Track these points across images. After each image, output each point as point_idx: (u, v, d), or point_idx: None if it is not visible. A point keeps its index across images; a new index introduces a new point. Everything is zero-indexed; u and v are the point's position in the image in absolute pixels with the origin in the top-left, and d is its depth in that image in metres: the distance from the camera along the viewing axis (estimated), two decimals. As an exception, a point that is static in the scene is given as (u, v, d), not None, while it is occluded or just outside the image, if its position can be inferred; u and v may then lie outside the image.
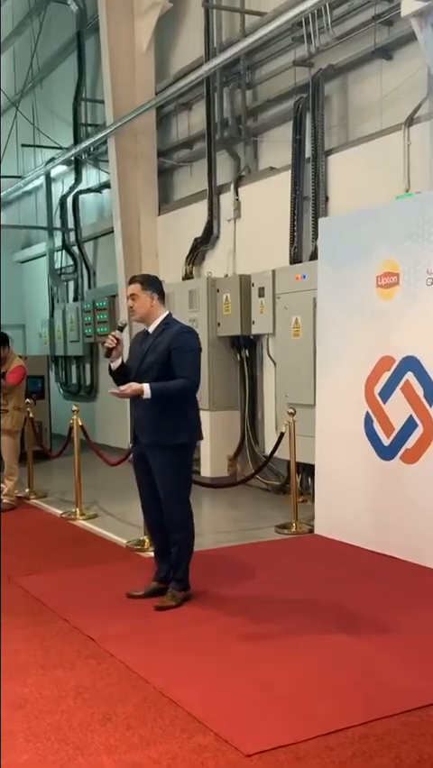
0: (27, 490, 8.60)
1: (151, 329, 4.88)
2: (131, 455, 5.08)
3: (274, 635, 4.36)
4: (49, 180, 13.73)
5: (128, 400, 4.98)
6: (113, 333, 4.83)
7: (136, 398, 4.76)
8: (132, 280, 4.91)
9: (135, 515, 5.22)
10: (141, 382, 4.70)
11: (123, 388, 4.66)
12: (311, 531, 6.68)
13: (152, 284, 4.90)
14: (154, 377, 4.70)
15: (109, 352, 4.81)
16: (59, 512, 7.72)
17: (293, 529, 6.74)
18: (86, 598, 5.07)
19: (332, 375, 6.58)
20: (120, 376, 4.86)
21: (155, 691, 3.68)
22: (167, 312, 4.93)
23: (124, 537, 6.56)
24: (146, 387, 4.65)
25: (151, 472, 4.84)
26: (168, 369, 4.70)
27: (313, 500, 7.03)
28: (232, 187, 9.08)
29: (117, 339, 4.80)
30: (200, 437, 5.00)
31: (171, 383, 4.68)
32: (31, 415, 8.66)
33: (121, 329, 4.90)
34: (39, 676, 3.87)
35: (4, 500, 7.96)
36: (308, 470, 7.62)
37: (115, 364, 4.86)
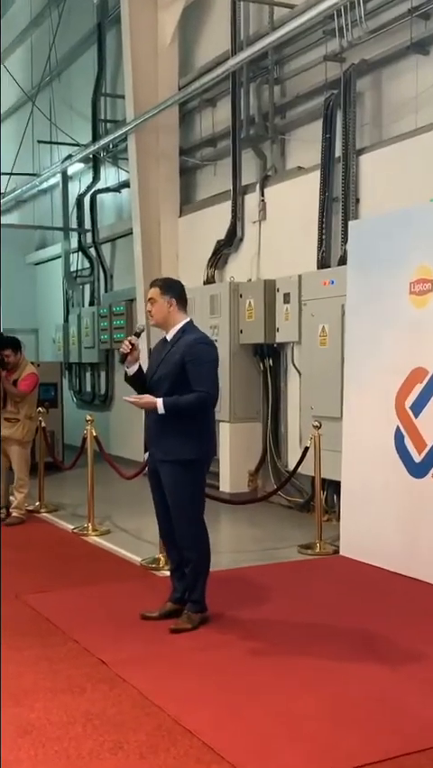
0: (37, 504, 8.63)
1: (169, 336, 4.89)
2: (147, 467, 5.08)
3: (296, 663, 4.33)
4: (65, 179, 13.82)
5: (142, 412, 4.99)
6: (129, 338, 4.84)
7: (150, 413, 4.77)
8: (152, 284, 4.94)
9: (150, 531, 5.22)
10: (153, 394, 4.71)
11: (137, 398, 4.67)
12: (336, 552, 6.64)
13: (173, 289, 4.90)
14: (166, 390, 4.70)
15: (124, 358, 4.83)
16: (70, 527, 7.74)
17: (317, 550, 6.71)
18: (97, 619, 5.06)
19: (360, 387, 6.55)
20: (137, 382, 4.87)
21: (169, 719, 3.67)
22: (187, 319, 4.92)
23: (138, 555, 6.56)
24: (159, 402, 4.65)
25: (163, 488, 4.84)
26: (181, 381, 4.69)
27: (338, 519, 6.99)
28: (257, 187, 9.10)
29: (132, 344, 4.81)
30: (214, 453, 4.98)
31: (186, 398, 4.66)
32: (43, 424, 8.69)
33: (138, 334, 4.91)
34: (46, 701, 3.87)
35: (14, 513, 7.99)
36: (333, 487, 7.59)
37: (132, 370, 4.87)
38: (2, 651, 4.47)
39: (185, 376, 4.69)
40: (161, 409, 4.65)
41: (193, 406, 4.68)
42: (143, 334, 5.15)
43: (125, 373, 4.92)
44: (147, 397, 4.68)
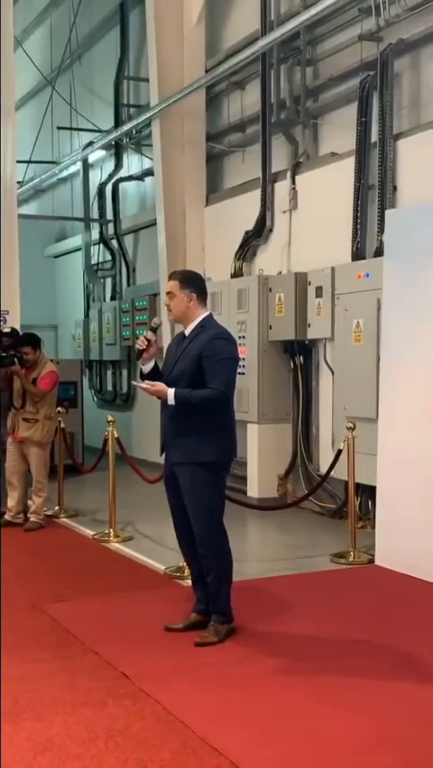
0: (56, 508, 8.68)
1: (187, 331, 4.89)
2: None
3: (328, 679, 4.31)
4: (86, 167, 13.87)
5: (159, 409, 4.99)
6: (145, 333, 4.86)
7: (164, 406, 4.77)
8: (170, 277, 4.95)
9: (174, 538, 5.22)
10: None
11: (149, 383, 4.68)
12: (371, 561, 6.61)
13: (192, 282, 4.90)
14: (185, 385, 4.71)
15: (140, 355, 4.84)
16: (90, 533, 7.77)
17: (351, 559, 6.69)
18: (119, 630, 5.08)
19: (397, 386, 6.51)
20: (153, 379, 4.87)
21: (195, 737, 3.67)
22: (206, 313, 4.92)
23: (161, 563, 6.57)
24: (171, 392, 4.66)
25: (180, 492, 4.84)
26: (199, 378, 4.69)
27: (373, 527, 6.96)
28: (288, 174, 9.07)
29: (149, 340, 4.82)
30: (235, 454, 4.97)
31: (198, 392, 4.66)
32: (62, 425, 8.73)
33: (154, 329, 4.92)
34: (66, 716, 3.89)
35: (32, 518, 8.03)
36: (368, 492, 7.56)
37: (147, 368, 4.88)
38: (18, 664, 4.50)
39: (203, 372, 4.70)
40: (171, 399, 4.66)
41: (204, 402, 4.67)
42: (160, 329, 5.12)
43: (140, 371, 4.93)
44: (159, 385, 4.69)
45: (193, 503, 4.78)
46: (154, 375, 4.87)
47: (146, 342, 4.81)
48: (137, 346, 4.85)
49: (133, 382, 4.79)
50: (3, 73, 9.00)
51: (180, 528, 4.97)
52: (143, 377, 4.91)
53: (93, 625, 5.18)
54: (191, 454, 4.73)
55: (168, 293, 4.87)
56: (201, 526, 4.80)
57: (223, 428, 4.81)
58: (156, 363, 4.91)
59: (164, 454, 4.94)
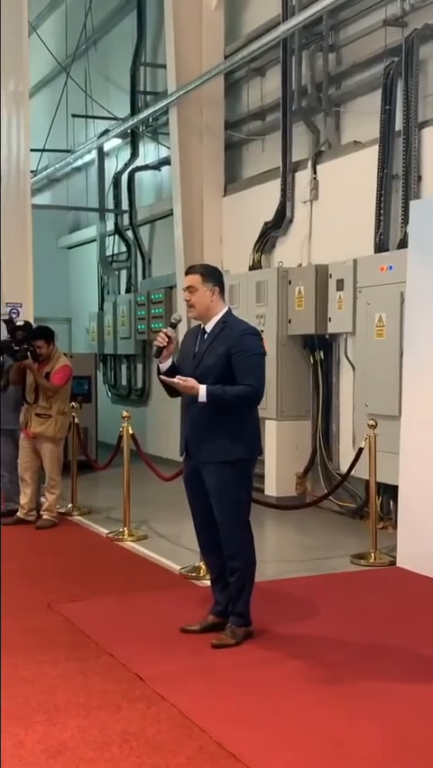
0: (70, 506, 8.71)
1: (208, 327, 4.86)
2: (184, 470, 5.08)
3: (348, 684, 4.31)
4: (101, 155, 13.89)
5: (179, 405, 4.98)
6: (164, 329, 4.82)
7: (189, 404, 4.76)
8: (190, 270, 4.91)
9: (190, 537, 5.23)
10: None
11: (181, 378, 4.66)
12: (393, 563, 6.60)
13: (214, 276, 4.89)
14: (211, 383, 4.69)
15: (159, 352, 4.82)
16: (104, 531, 7.79)
17: (372, 560, 6.68)
18: (134, 631, 5.09)
19: (421, 382, 6.48)
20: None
21: (212, 741, 3.67)
22: (226, 308, 4.92)
23: (177, 562, 6.58)
24: (202, 388, 4.65)
25: (205, 491, 4.84)
26: (227, 375, 4.69)
27: (395, 527, 6.94)
28: (309, 164, 9.05)
29: (169, 337, 4.80)
30: (261, 452, 4.98)
31: (232, 388, 4.66)
32: (76, 420, 8.76)
33: (174, 325, 4.89)
34: (80, 719, 3.90)
35: (45, 516, 8.06)
36: (389, 491, 7.54)
37: (165, 365, 4.86)
38: (31, 665, 4.52)
39: (231, 370, 4.69)
40: (202, 396, 4.64)
41: (239, 399, 4.68)
42: (179, 325, 5.09)
43: (158, 369, 4.91)
44: (191, 381, 4.66)
45: (221, 502, 4.78)
46: (172, 373, 4.84)
47: (167, 339, 4.79)
48: (156, 343, 4.81)
49: (162, 377, 4.74)
50: (16, 60, 9.03)
51: (201, 528, 4.98)
52: (160, 374, 4.87)
53: (107, 625, 5.20)
54: (220, 452, 4.73)
55: (188, 287, 4.83)
56: (229, 526, 4.80)
57: (250, 425, 4.83)
58: (173, 361, 4.90)
59: (186, 453, 4.91)
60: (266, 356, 4.88)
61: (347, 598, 5.86)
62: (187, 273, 4.91)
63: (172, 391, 4.87)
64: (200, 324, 4.93)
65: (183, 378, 4.68)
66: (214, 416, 4.70)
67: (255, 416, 4.90)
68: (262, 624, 5.05)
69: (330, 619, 5.35)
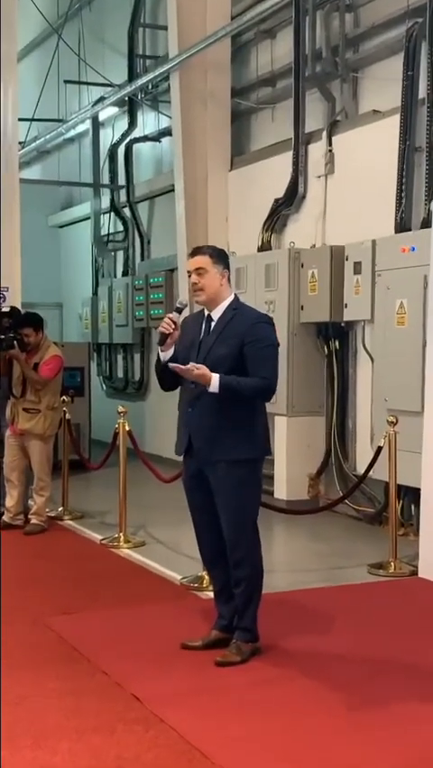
0: (60, 509, 8.73)
1: (216, 314, 4.86)
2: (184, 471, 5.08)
3: (366, 705, 4.30)
4: (96, 125, 13.88)
5: (178, 399, 4.98)
6: (169, 315, 4.82)
7: (195, 397, 4.76)
8: (197, 251, 4.91)
9: (192, 544, 5.23)
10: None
11: (192, 365, 4.64)
12: (414, 573, 6.60)
13: (224, 258, 4.90)
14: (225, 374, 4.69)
15: (164, 339, 4.81)
16: (98, 537, 7.80)
17: (391, 570, 6.68)
18: (130, 647, 5.09)
19: (446, 376, 6.47)
20: (171, 370, 4.84)
21: (214, 768, 3.68)
22: (233, 294, 4.93)
23: (177, 572, 6.59)
24: (215, 378, 4.64)
25: (209, 494, 4.85)
26: (239, 366, 4.70)
27: (417, 534, 6.95)
28: (324, 135, 9.03)
29: (175, 323, 4.80)
30: (270, 451, 5.00)
31: (246, 380, 4.68)
32: (67, 416, 8.76)
33: (179, 311, 4.89)
34: (72, 742, 3.90)
35: (33, 520, 8.07)
36: (411, 495, 7.54)
37: (168, 354, 4.85)
38: (17, 684, 4.52)
39: (243, 361, 4.70)
40: (214, 387, 4.64)
41: (253, 392, 4.70)
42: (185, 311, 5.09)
43: (158, 359, 4.90)
44: (204, 368, 4.64)
45: (228, 505, 4.79)
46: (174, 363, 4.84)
47: (173, 326, 4.79)
48: (161, 330, 4.79)
49: (171, 365, 4.72)
50: (3, 21, 9.00)
51: (204, 534, 4.98)
52: (162, 365, 4.86)
53: (101, 641, 5.20)
54: (228, 451, 4.73)
55: (198, 269, 4.82)
56: (236, 532, 4.81)
57: (260, 421, 4.84)
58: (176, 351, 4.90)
59: (185, 451, 4.91)
60: (279, 346, 4.89)
61: (364, 611, 5.85)
62: (193, 254, 4.91)
63: (167, 383, 4.87)
64: (203, 310, 4.92)
65: (195, 364, 4.65)
66: (225, 411, 4.71)
67: (264, 412, 4.92)
68: (270, 639, 5.04)
69: (345, 634, 5.35)
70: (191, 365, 4.64)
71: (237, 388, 4.67)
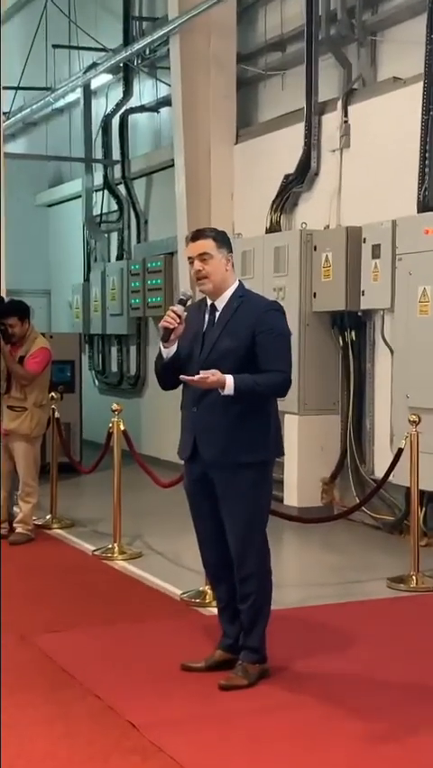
0: (48, 517, 8.73)
1: (220, 303, 4.86)
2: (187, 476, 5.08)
3: (386, 734, 4.29)
4: (88, 94, 13.86)
5: (180, 397, 4.97)
6: (173, 308, 4.80)
7: (202, 396, 4.75)
8: (199, 235, 4.89)
9: (194, 555, 5.23)
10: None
11: (205, 374, 4.62)
12: (439, 588, 6.62)
13: (227, 242, 4.90)
14: (229, 371, 4.67)
15: (167, 335, 4.80)
16: (90, 548, 7.80)
17: (413, 584, 6.67)
18: (125, 669, 5.08)
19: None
20: (173, 368, 4.84)
21: (218, 803, 3.68)
22: (237, 281, 4.94)
23: (177, 586, 6.58)
24: (229, 379, 4.63)
25: (213, 500, 4.84)
26: (249, 360, 4.70)
27: (442, 545, 6.94)
28: (339, 104, 9.01)
29: (179, 316, 4.79)
30: (281, 453, 5.00)
31: (262, 377, 4.68)
32: (56, 414, 8.76)
33: (184, 302, 4.87)
34: (60, 774, 3.91)
35: (18, 529, 8.07)
36: (435, 501, 7.54)
37: (171, 351, 4.84)
38: (2, 709, 4.52)
39: (253, 354, 4.71)
40: (229, 389, 4.64)
41: (271, 390, 4.74)
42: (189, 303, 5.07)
43: (159, 355, 4.89)
44: (217, 374, 4.63)
45: (235, 513, 4.79)
46: (176, 360, 4.83)
47: (178, 319, 4.77)
48: (164, 324, 4.77)
49: (183, 378, 4.71)
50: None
51: (207, 545, 4.98)
52: (163, 362, 4.86)
53: (94, 661, 5.19)
54: (237, 453, 4.73)
55: (201, 255, 4.80)
56: (243, 542, 4.81)
57: (272, 420, 4.86)
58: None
59: (190, 454, 4.90)
60: (291, 336, 4.91)
61: (383, 629, 5.84)
62: (195, 238, 4.89)
63: (168, 382, 4.87)
64: (205, 300, 4.92)
65: (209, 372, 4.62)
66: (233, 409, 4.70)
67: (276, 409, 4.93)
68: (280, 660, 5.04)
69: (363, 655, 5.33)
70: (203, 374, 4.63)
71: (255, 387, 4.67)
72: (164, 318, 4.79)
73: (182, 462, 5.03)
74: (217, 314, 4.85)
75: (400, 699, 4.71)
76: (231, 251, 4.90)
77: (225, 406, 4.69)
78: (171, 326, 4.76)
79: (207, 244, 4.82)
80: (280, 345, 4.76)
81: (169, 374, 4.86)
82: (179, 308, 4.79)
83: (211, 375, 4.61)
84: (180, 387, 4.92)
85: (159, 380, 4.98)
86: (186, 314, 4.81)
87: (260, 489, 4.83)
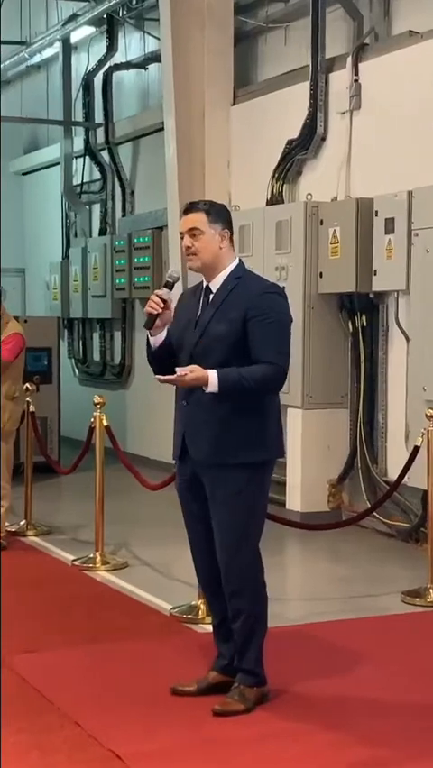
0: (23, 523, 8.73)
1: (215, 285, 4.86)
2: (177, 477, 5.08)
3: (397, 763, 4.30)
4: (68, 49, 13.84)
5: (173, 390, 4.97)
6: (158, 291, 4.81)
7: (191, 392, 4.76)
8: (191, 208, 4.90)
9: (185, 566, 5.23)
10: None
11: (182, 371, 4.64)
12: (459, 602, 6.63)
13: (223, 215, 4.89)
14: (220, 361, 4.69)
15: (152, 321, 4.80)
16: (69, 557, 7.81)
17: (430, 598, 6.68)
18: (108, 693, 5.09)
19: None
20: (165, 357, 4.84)
21: None
22: (237, 259, 4.93)
23: (167, 600, 6.59)
24: (213, 375, 4.63)
25: (205, 504, 4.85)
26: (241, 348, 4.70)
27: (462, 554, 6.95)
28: (349, 61, 9.00)
29: (164, 300, 4.79)
30: (283, 452, 4.99)
31: (250, 370, 4.66)
32: (31, 408, 8.75)
33: (171, 285, 4.88)
34: (35, 810, 3.92)
35: (-11, 536, 8.09)
36: (455, 506, 7.54)
37: (159, 339, 4.85)
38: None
39: (246, 342, 4.70)
40: (213, 386, 4.64)
41: (260, 385, 4.69)
42: (177, 285, 5.07)
43: (148, 344, 4.90)
44: (198, 370, 4.63)
45: (227, 519, 4.78)
46: (166, 349, 4.84)
47: (162, 304, 4.78)
48: (148, 310, 4.78)
49: (157, 378, 4.72)
50: None
51: (201, 553, 4.98)
52: (151, 351, 4.86)
53: (73, 685, 5.19)
54: (231, 451, 4.74)
55: (191, 230, 4.82)
56: (232, 551, 4.80)
57: (274, 416, 4.85)
58: (168, 333, 4.89)
59: (179, 455, 4.91)
60: (292, 323, 4.89)
61: (397, 648, 5.85)
62: (186, 211, 4.90)
63: (163, 373, 4.85)
64: (201, 282, 4.92)
65: (188, 368, 4.63)
66: (226, 402, 4.70)
67: (276, 403, 4.92)
68: (281, 683, 5.04)
69: (374, 677, 5.34)
70: (179, 371, 4.63)
71: (241, 382, 4.65)
72: (147, 303, 4.80)
73: (173, 462, 5.04)
74: (211, 296, 4.86)
75: (413, 724, 4.71)
76: (228, 227, 4.88)
77: (216, 399, 4.69)
78: (155, 312, 4.76)
79: (198, 218, 4.82)
80: (272, 333, 4.71)
81: (159, 365, 4.84)
82: (164, 292, 4.79)
83: (189, 372, 4.61)
84: None
85: (154, 372, 4.96)
86: (171, 298, 4.81)
87: (253, 493, 4.81)
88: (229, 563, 4.82)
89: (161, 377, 4.68)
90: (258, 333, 4.69)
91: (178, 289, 5.05)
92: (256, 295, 4.77)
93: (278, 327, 4.76)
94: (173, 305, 4.88)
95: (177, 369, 4.65)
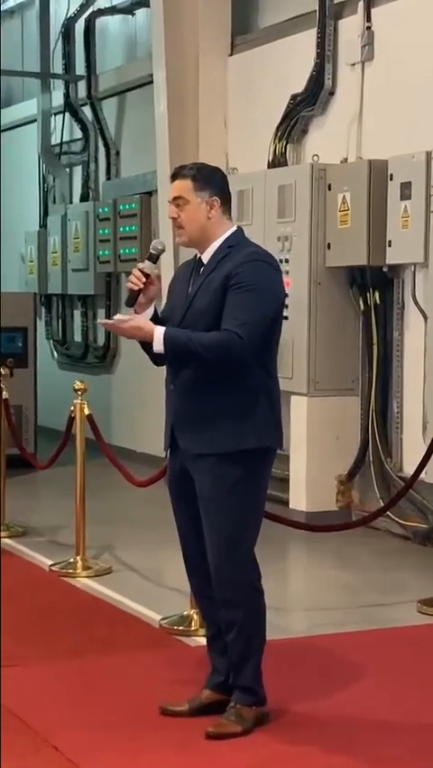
0: (-5, 523, 8.76)
1: (206, 256, 4.88)
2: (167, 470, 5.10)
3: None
4: (45, -8, 13.81)
5: (164, 375, 4.99)
6: (140, 265, 4.82)
7: (178, 370, 4.77)
8: (178, 173, 4.90)
9: (176, 571, 5.24)
10: None
11: (120, 317, 4.70)
12: None
13: (212, 180, 4.88)
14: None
15: (134, 298, 4.82)
16: (47, 562, 7.83)
17: (450, 608, 6.72)
18: (90, 713, 5.10)
19: None
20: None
21: None
22: (233, 228, 4.93)
23: (156, 610, 6.60)
24: (159, 331, 4.66)
25: (196, 502, 4.86)
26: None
27: None
28: (360, 6, 8.99)
29: (147, 275, 4.80)
30: (280, 444, 4.99)
31: (200, 335, 4.65)
32: (4, 395, 8.76)
33: (154, 258, 4.89)
34: None
35: (-43, 538, 8.11)
36: None
37: (144, 317, 4.85)
38: None
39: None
40: (158, 343, 4.65)
41: (210, 352, 4.65)
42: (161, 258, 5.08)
43: None
44: (137, 319, 4.69)
45: (214, 515, 4.79)
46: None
47: (144, 279, 4.79)
48: (130, 285, 4.80)
49: (99, 321, 4.77)
50: None
51: (193, 558, 4.99)
52: (99, 320, 4.89)
53: (51, 704, 5.21)
54: (219, 440, 4.74)
55: (175, 199, 4.83)
56: (222, 553, 4.80)
57: (263, 402, 4.83)
58: (156, 310, 4.90)
59: (169, 445, 4.94)
60: (286, 298, 4.88)
61: (412, 663, 5.86)
62: (174, 178, 4.90)
63: (152, 357, 4.86)
64: (196, 255, 4.94)
65: (124, 316, 4.69)
66: (215, 384, 4.72)
67: (273, 390, 4.92)
68: (282, 701, 5.06)
69: (386, 695, 5.36)
70: (117, 317, 4.68)
71: (188, 344, 4.65)
72: (129, 278, 4.82)
73: (163, 456, 5.05)
74: (202, 269, 4.87)
75: (427, 748, 4.72)
76: (219, 193, 4.85)
77: (204, 381, 4.71)
78: (137, 288, 4.78)
79: (183, 185, 4.82)
80: (242, 301, 4.66)
81: (149, 347, 4.86)
82: (147, 265, 4.81)
83: (128, 319, 4.67)
84: None
85: (150, 359, 4.96)
86: (157, 271, 4.82)
87: (245, 488, 4.80)
88: (220, 568, 4.82)
89: (102, 321, 4.72)
90: (229, 302, 4.68)
91: (167, 264, 5.07)
92: (238, 262, 4.74)
93: (252, 296, 4.68)
94: (163, 282, 4.89)
95: (116, 315, 4.71)
